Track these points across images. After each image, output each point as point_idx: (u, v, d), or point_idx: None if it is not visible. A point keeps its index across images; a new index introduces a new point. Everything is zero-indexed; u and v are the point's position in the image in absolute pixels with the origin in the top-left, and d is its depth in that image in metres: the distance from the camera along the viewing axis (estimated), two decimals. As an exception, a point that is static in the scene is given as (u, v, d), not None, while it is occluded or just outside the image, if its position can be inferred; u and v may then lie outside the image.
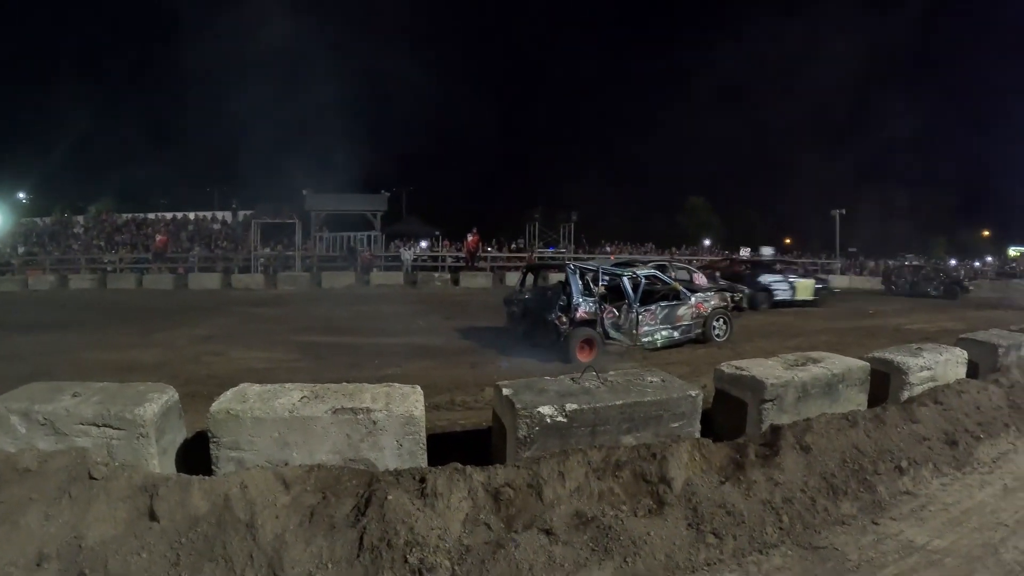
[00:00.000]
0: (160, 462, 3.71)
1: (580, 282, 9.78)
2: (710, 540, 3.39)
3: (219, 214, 38.05)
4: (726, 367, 5.16)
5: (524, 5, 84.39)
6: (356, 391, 3.97)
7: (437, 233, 35.35)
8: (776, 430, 4.36)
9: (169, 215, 37.62)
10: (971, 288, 25.84)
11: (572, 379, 4.47)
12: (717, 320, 11.19)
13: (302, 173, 32.41)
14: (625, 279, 10.18)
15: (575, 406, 3.90)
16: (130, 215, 37.25)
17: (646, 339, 10.20)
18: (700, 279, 12.24)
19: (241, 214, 35.91)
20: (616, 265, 10.87)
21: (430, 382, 7.43)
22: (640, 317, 10.04)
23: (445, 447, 4.36)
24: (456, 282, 26.35)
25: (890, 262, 36.18)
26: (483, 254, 31.08)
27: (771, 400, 4.72)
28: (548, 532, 3.11)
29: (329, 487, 3.32)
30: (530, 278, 12.28)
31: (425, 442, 3.80)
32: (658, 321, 10.38)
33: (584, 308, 9.54)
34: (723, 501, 3.62)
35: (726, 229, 52.73)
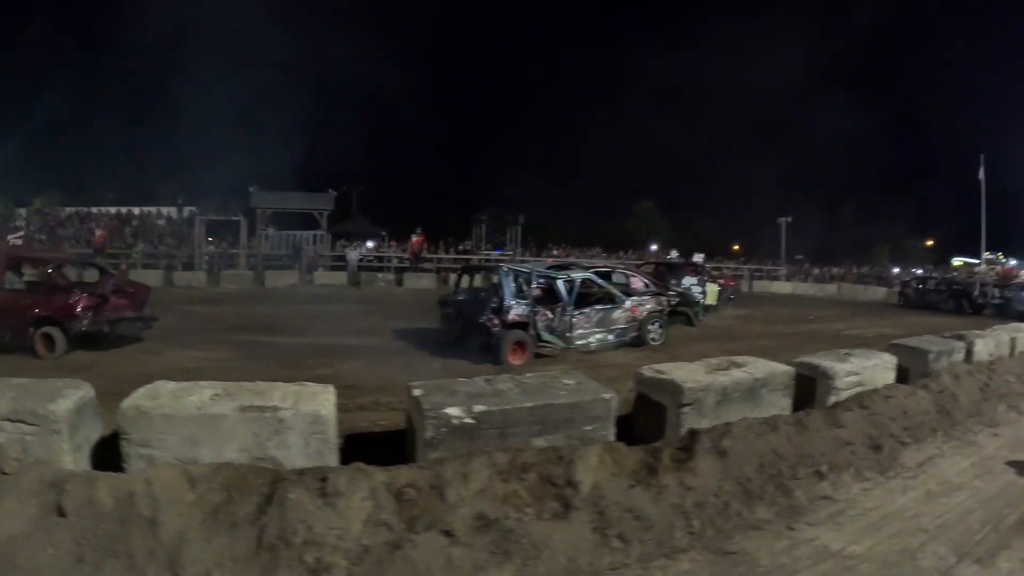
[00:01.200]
0: (74, 459, 3.66)
1: (513, 284, 9.80)
2: (615, 544, 3.39)
3: (164, 210, 37.00)
4: (647, 370, 5.18)
5: (476, 5, 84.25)
6: (267, 390, 3.91)
7: (384, 233, 35.05)
8: (694, 434, 4.38)
9: (113, 210, 36.41)
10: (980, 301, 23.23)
11: (486, 380, 4.46)
12: (653, 324, 11.33)
13: (249, 170, 31.81)
14: (559, 282, 10.25)
15: (483, 408, 3.86)
16: (74, 209, 35.97)
17: (580, 342, 10.27)
18: (637, 283, 12.39)
19: (187, 210, 34.99)
20: (551, 268, 10.93)
21: (359, 382, 7.43)
22: (574, 320, 10.11)
23: (363, 448, 4.30)
24: (400, 283, 26.31)
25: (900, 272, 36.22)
26: (427, 255, 30.91)
27: (690, 404, 4.74)
28: (448, 534, 3.08)
29: (235, 485, 3.24)
30: (465, 279, 12.26)
31: (335, 441, 3.77)
32: (592, 324, 10.46)
33: (516, 311, 9.55)
34: (632, 505, 3.61)
35: (674, 234, 53.25)
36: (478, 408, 3.86)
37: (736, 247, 54.63)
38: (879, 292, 31.07)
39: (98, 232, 29.28)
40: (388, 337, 11.95)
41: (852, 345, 8.66)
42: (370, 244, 33.67)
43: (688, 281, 18.39)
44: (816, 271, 40.38)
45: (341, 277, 26.55)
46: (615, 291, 11.10)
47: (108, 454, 3.79)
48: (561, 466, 3.65)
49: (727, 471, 4.12)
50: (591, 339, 10.48)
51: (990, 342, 9.00)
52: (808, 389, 5.90)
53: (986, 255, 38.07)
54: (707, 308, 17.95)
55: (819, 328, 15.85)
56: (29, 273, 11.37)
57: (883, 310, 22.39)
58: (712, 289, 19.09)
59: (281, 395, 3.82)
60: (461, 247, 34.35)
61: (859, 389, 6.02)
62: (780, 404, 5.38)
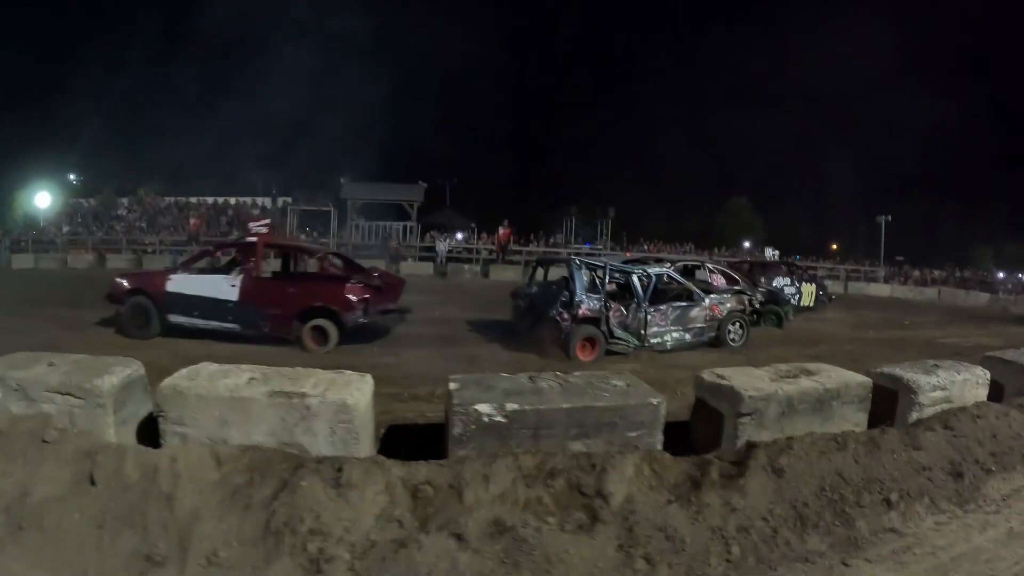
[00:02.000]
0: (117, 432, 3.77)
1: (586, 278, 9.58)
2: (639, 566, 3.10)
3: (259, 200, 38.29)
4: (707, 374, 4.83)
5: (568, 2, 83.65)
6: (303, 376, 3.89)
7: (473, 225, 35.27)
8: (750, 448, 4.06)
9: (210, 199, 37.90)
10: None
11: (529, 378, 4.27)
12: (733, 324, 10.84)
13: (342, 161, 32.57)
14: (635, 277, 9.93)
15: (515, 406, 3.69)
16: (173, 198, 37.75)
17: (655, 340, 9.91)
18: (719, 281, 11.89)
19: (281, 200, 36.11)
20: (628, 263, 10.62)
21: (419, 372, 7.36)
22: (649, 317, 9.75)
23: (405, 439, 4.25)
24: (486, 275, 26.31)
25: None
26: (516, 247, 30.86)
27: (748, 414, 4.38)
28: (459, 537, 2.91)
29: (259, 468, 3.23)
30: (540, 272, 12.06)
31: (366, 430, 3.72)
32: (669, 322, 10.08)
33: (587, 305, 9.33)
34: (665, 523, 3.33)
35: (767, 232, 51.75)
36: (511, 406, 3.70)
37: (834, 246, 52.71)
38: (981, 298, 28.75)
39: (192, 220, 30.52)
40: (462, 328, 11.90)
41: (946, 355, 7.96)
42: (460, 236, 33.91)
43: (781, 281, 17.72)
44: (916, 273, 37.99)
45: (427, 268, 26.80)
46: (694, 288, 10.68)
47: (154, 430, 3.85)
48: (592, 474, 3.41)
49: (781, 492, 3.77)
50: (667, 337, 10.08)
51: None
52: (888, 404, 5.38)
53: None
54: (802, 309, 17.23)
55: (912, 335, 14.76)
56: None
57: (984, 318, 20.70)
58: (808, 289, 18.15)
59: (314, 382, 3.78)
60: (552, 240, 34.27)
61: (946, 406, 5.41)
62: (854, 419, 4.93)
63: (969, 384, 5.77)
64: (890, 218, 39.57)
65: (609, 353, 9.48)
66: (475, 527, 2.99)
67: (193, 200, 37.43)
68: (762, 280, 15.99)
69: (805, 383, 4.75)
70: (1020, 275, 43.29)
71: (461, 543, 2.91)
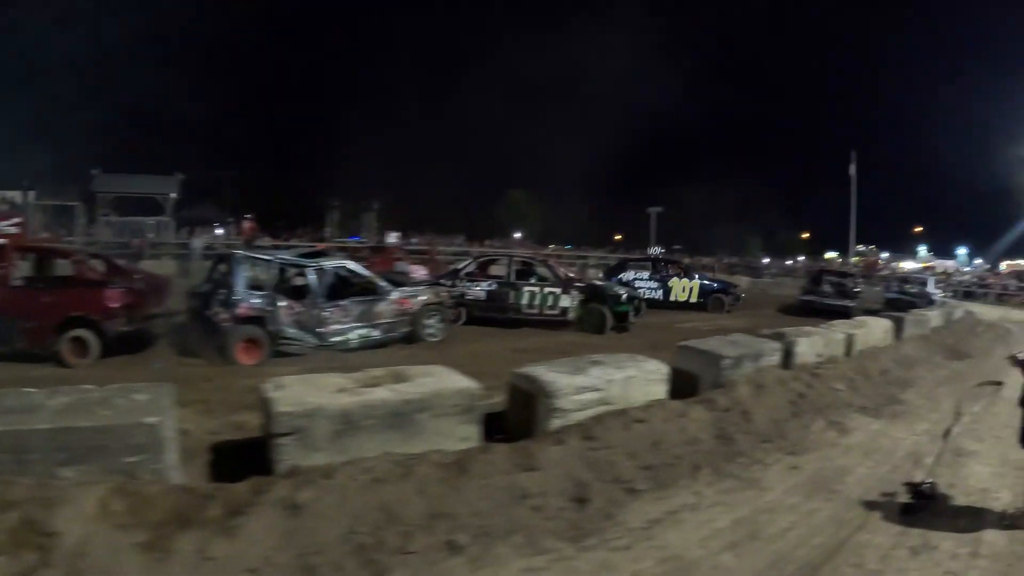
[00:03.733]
0: None
1: (247, 274, 8.65)
2: None
3: (9, 194, 33.85)
4: (268, 386, 3.89)
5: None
6: None
7: (231, 220, 33.11)
8: (282, 476, 3.25)
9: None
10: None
11: (48, 392, 3.41)
12: (430, 318, 10.12)
13: (93, 151, 29.62)
14: (309, 271, 9.06)
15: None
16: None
17: (337, 339, 9.04)
18: (419, 272, 11.12)
19: (31, 194, 32.10)
20: (307, 256, 9.75)
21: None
22: (326, 314, 8.89)
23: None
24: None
25: None
26: (280, 244, 28.93)
27: (288, 433, 3.46)
28: None
29: None
30: (222, 269, 10.34)
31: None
32: (352, 319, 9.20)
33: (248, 303, 8.37)
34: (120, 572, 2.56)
35: (545, 223, 53.16)
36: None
37: (618, 237, 54.92)
38: (744, 282, 30.33)
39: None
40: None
41: (683, 338, 7.29)
42: (220, 232, 31.57)
43: (632, 275, 17.40)
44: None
45: (170, 266, 24.12)
46: (380, 281, 9.82)
47: None
48: (49, 509, 2.67)
49: (292, 536, 2.89)
50: (351, 335, 9.18)
51: (818, 341, 7.92)
52: (527, 411, 4.69)
53: (859, 248, 39.05)
54: (674, 305, 16.93)
55: (650, 320, 13.81)
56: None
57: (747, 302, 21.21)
58: (681, 285, 17.52)
59: None
60: (320, 234, 32.80)
61: (603, 409, 4.74)
62: (459, 433, 4.09)
63: (637, 381, 5.14)
64: (661, 209, 41.43)
65: (284, 355, 8.53)
66: None
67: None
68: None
69: (380, 393, 3.90)
70: (787, 261, 47.42)
71: None
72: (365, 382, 4.04)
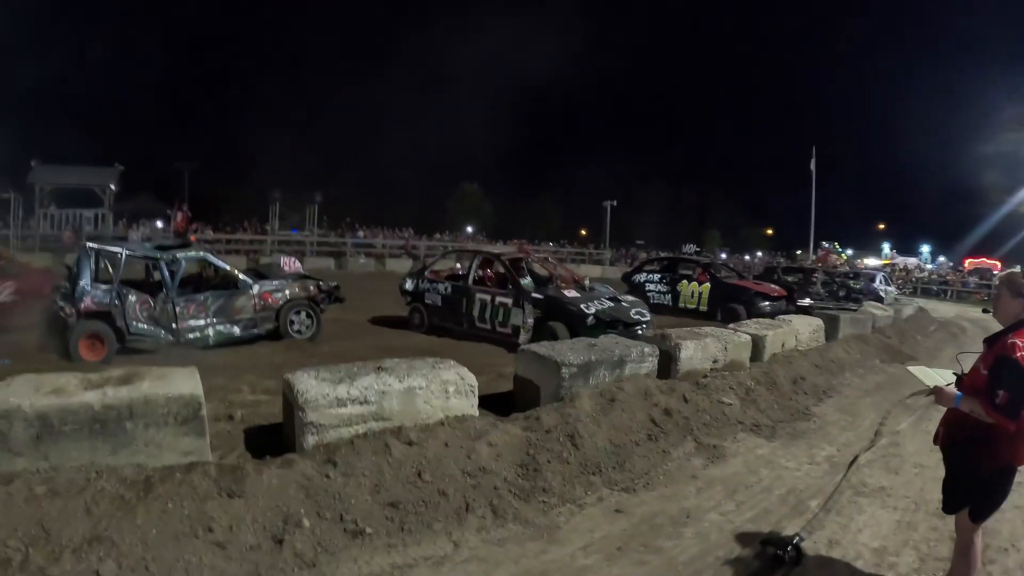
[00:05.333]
0: None
1: (94, 266, 8.31)
2: None
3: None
4: None
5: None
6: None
7: (169, 212, 32.30)
8: None
9: None
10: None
11: None
12: (297, 314, 9.62)
13: (33, 144, 28.61)
14: (162, 264, 8.60)
15: None
16: None
17: (192, 335, 8.63)
18: (294, 266, 10.55)
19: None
20: (162, 248, 9.18)
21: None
22: (179, 308, 8.48)
23: None
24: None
25: None
26: (205, 237, 28.56)
27: None
28: None
29: None
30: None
31: None
32: (210, 314, 8.79)
33: (93, 297, 8.03)
34: None
35: (498, 217, 52.83)
36: None
37: (583, 232, 54.65)
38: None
39: None
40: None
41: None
42: (159, 224, 30.72)
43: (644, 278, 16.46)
44: (643, 255, 39.39)
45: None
46: (241, 275, 9.36)
47: None
48: None
49: None
50: (208, 331, 8.77)
51: (712, 345, 7.22)
52: (289, 425, 4.33)
53: (823, 244, 38.89)
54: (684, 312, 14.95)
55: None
56: None
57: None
58: (691, 289, 15.50)
59: None
60: (266, 227, 32.39)
61: (376, 425, 4.23)
62: (181, 447, 3.72)
63: (423, 394, 4.48)
64: (615, 203, 41.02)
65: (133, 351, 8.10)
66: None
67: None
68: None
69: (85, 397, 3.55)
70: (746, 256, 47.29)
71: None
72: (94, 383, 3.67)
